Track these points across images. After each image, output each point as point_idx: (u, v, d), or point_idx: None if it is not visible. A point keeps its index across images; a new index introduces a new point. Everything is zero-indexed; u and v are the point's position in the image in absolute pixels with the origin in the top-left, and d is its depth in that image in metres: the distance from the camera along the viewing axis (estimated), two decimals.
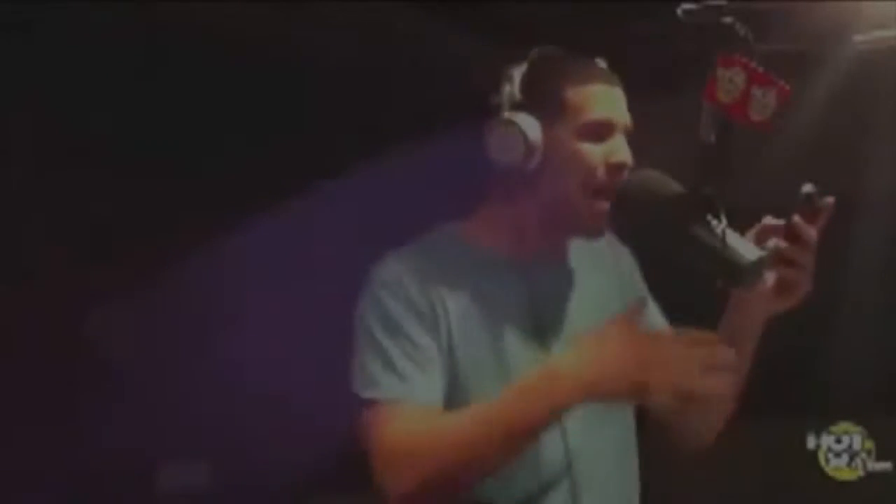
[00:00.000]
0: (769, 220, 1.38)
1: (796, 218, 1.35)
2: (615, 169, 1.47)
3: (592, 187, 1.46)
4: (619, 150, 1.48)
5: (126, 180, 3.24)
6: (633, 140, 1.50)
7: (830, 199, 1.36)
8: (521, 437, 1.32)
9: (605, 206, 1.47)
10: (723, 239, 1.32)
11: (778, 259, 1.35)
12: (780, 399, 3.74)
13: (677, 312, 1.68)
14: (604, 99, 1.49)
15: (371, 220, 3.03)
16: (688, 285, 1.48)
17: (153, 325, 3.38)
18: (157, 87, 3.07)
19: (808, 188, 1.35)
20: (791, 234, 1.35)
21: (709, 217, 1.34)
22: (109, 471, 3.14)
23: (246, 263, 3.40)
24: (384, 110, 3.30)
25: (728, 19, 1.33)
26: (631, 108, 1.51)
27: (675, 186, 1.39)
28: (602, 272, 1.61)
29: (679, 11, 1.37)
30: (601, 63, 1.53)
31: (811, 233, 1.35)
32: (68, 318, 3.20)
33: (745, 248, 1.34)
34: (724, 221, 1.34)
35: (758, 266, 1.34)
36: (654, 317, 1.66)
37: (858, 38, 3.22)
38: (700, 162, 1.34)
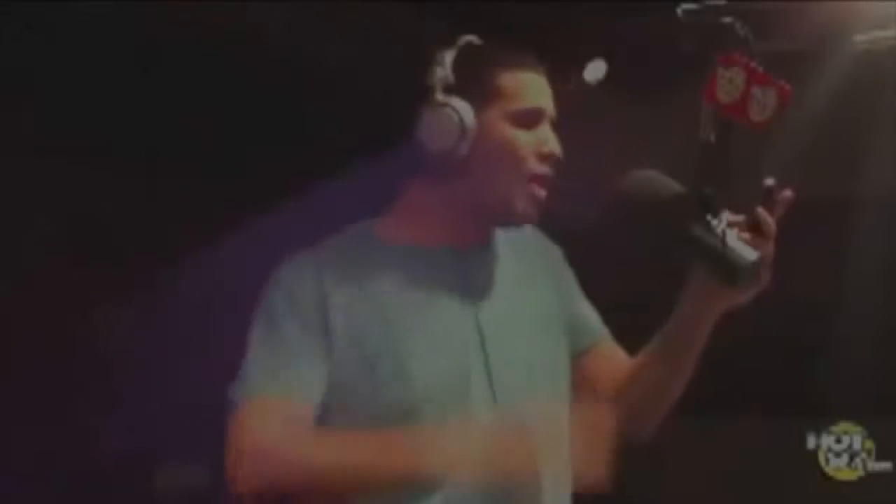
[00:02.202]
0: (729, 216, 1.37)
1: (761, 210, 1.34)
2: (546, 158, 1.46)
3: (526, 175, 1.46)
4: (549, 139, 1.48)
5: (127, 180, 3.24)
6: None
7: (788, 192, 1.35)
8: (376, 485, 1.35)
9: (541, 192, 1.46)
10: (723, 239, 1.32)
11: None
12: (780, 399, 3.74)
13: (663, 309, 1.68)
14: (535, 87, 1.49)
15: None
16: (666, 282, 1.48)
17: (153, 324, 3.38)
18: (157, 88, 3.07)
19: (769, 181, 1.35)
20: (753, 226, 1.35)
21: (709, 217, 1.34)
22: (109, 471, 3.14)
23: (247, 263, 3.39)
24: (384, 110, 3.30)
25: (728, 19, 1.34)
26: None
27: (675, 186, 1.39)
28: (527, 261, 1.59)
29: (679, 11, 1.38)
30: (529, 51, 1.52)
31: (772, 224, 1.35)
32: (68, 317, 3.20)
33: (744, 248, 1.34)
34: (724, 221, 1.34)
35: (757, 266, 1.34)
36: (584, 312, 1.65)
37: (858, 38, 3.21)
38: (700, 162, 1.34)
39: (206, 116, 3.14)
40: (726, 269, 1.33)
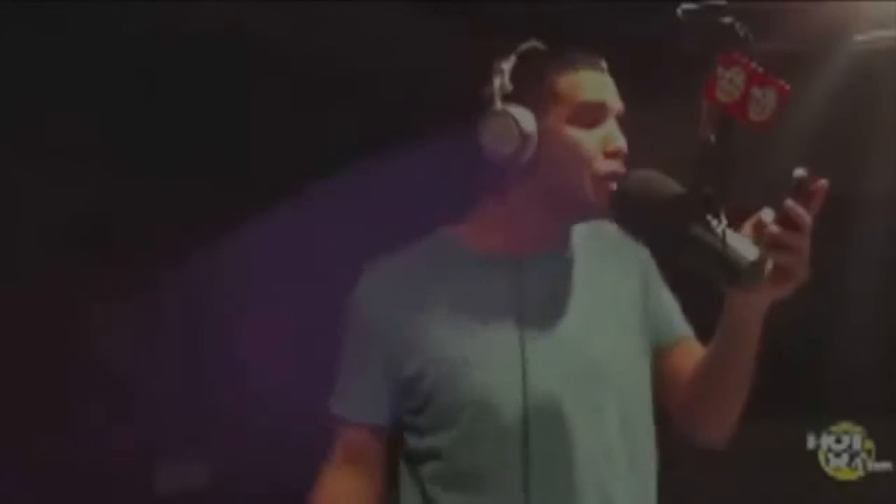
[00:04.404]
0: (766, 213, 1.35)
1: (790, 202, 1.31)
2: (613, 156, 1.48)
3: (594, 174, 1.47)
4: (614, 136, 1.49)
5: (128, 180, 3.24)
6: (634, 140, 1.50)
7: (823, 182, 1.31)
8: None
9: (612, 187, 1.47)
10: (723, 239, 1.32)
11: (773, 245, 1.30)
12: (780, 399, 3.74)
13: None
14: (594, 83, 1.50)
15: (371, 220, 3.03)
16: (690, 284, 1.48)
17: (153, 325, 3.38)
18: (158, 88, 3.07)
19: (799, 172, 1.33)
20: (785, 219, 1.31)
21: (709, 217, 1.33)
22: (109, 471, 3.14)
23: (246, 263, 3.40)
24: (383, 110, 3.30)
25: (728, 19, 1.33)
26: (631, 108, 1.52)
27: (675, 186, 1.38)
28: (608, 262, 1.60)
29: (679, 11, 1.37)
30: (587, 50, 1.54)
31: (806, 216, 1.30)
32: (68, 318, 3.20)
33: (745, 247, 1.33)
34: (724, 221, 1.33)
35: (758, 265, 1.33)
36: (667, 309, 1.65)
37: (858, 38, 3.22)
38: (700, 162, 1.34)
39: (206, 116, 3.15)
40: (727, 269, 1.33)
